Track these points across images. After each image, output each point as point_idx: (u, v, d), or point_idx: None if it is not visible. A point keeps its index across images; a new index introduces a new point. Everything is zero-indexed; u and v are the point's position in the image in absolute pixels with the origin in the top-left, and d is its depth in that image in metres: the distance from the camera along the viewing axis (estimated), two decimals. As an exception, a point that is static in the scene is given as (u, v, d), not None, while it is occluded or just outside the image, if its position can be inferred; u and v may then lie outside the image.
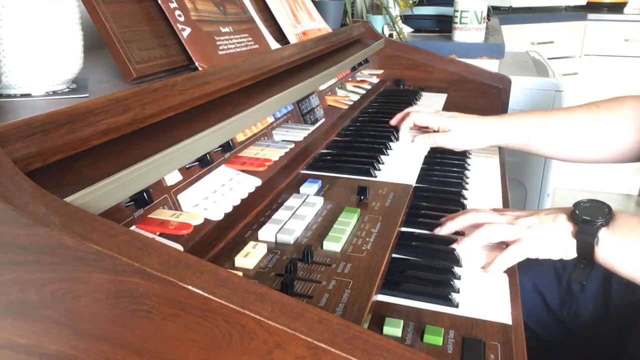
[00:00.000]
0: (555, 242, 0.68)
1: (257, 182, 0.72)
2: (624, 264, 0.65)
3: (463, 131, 0.99)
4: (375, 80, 1.45)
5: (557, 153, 0.98)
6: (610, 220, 0.66)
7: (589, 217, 0.66)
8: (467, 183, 0.95)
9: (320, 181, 0.79)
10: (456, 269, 0.66)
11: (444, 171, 0.99)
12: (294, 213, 0.68)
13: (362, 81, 1.41)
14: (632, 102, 0.92)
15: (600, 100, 0.96)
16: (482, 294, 0.62)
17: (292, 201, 0.71)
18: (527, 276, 0.70)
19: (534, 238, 0.68)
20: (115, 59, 0.66)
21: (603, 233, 0.66)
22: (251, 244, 0.60)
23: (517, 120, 0.97)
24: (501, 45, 1.66)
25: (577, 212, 0.67)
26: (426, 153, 1.00)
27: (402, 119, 1.06)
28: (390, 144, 1.00)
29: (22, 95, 0.60)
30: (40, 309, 0.40)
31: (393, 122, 1.09)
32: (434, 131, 1.03)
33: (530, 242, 0.68)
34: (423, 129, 1.06)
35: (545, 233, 0.68)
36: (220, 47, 0.82)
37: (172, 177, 0.61)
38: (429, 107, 1.12)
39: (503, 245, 0.71)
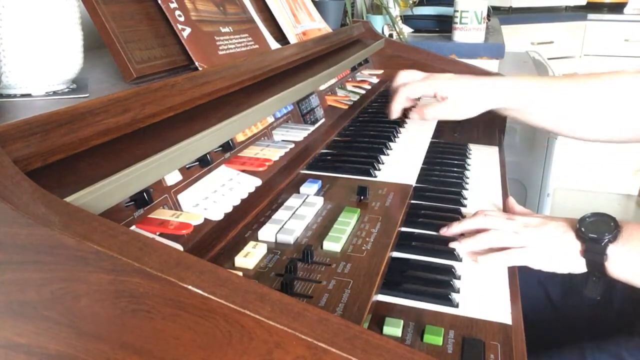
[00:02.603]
0: (563, 259, 0.68)
1: (257, 182, 0.72)
2: (636, 276, 0.65)
3: (460, 98, 0.91)
4: (375, 80, 1.45)
5: (554, 122, 0.92)
6: (618, 234, 0.65)
7: (596, 235, 0.65)
8: (467, 183, 0.95)
9: (320, 181, 0.79)
10: (456, 269, 0.66)
11: (444, 171, 0.99)
12: (294, 213, 0.68)
13: (362, 81, 1.41)
14: (629, 81, 0.87)
15: (600, 73, 0.90)
16: (482, 294, 0.62)
17: (292, 201, 0.71)
18: (530, 270, 0.70)
19: (539, 250, 0.68)
20: (115, 59, 0.66)
21: (611, 249, 0.65)
22: (251, 244, 0.60)
23: (518, 80, 0.91)
24: (501, 46, 1.66)
25: (582, 229, 0.66)
26: (425, 153, 1.00)
27: (394, 98, 0.97)
28: (390, 144, 1.00)
29: (22, 95, 0.60)
30: (40, 309, 0.40)
31: (392, 115, 0.99)
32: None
33: (533, 252, 0.68)
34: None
35: (551, 248, 0.68)
36: (220, 47, 0.82)
37: (172, 177, 0.61)
38: (412, 71, 1.01)
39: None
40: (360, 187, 0.75)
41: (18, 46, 0.57)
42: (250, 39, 0.92)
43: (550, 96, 0.89)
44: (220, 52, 0.81)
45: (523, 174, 1.91)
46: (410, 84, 0.95)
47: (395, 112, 0.97)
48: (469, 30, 1.69)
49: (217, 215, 0.62)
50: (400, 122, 1.11)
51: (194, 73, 0.67)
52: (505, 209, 0.84)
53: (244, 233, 0.63)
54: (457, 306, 0.59)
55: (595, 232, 0.66)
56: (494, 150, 1.14)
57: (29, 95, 0.60)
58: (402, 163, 0.92)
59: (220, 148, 0.72)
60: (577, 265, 0.67)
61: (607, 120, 0.88)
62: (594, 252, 0.65)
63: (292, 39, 1.10)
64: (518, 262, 0.68)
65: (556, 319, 0.87)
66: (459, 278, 0.65)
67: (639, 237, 0.65)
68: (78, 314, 0.39)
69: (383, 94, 1.40)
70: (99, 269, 0.37)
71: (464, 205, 0.85)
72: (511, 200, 0.83)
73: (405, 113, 1.01)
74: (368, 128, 1.10)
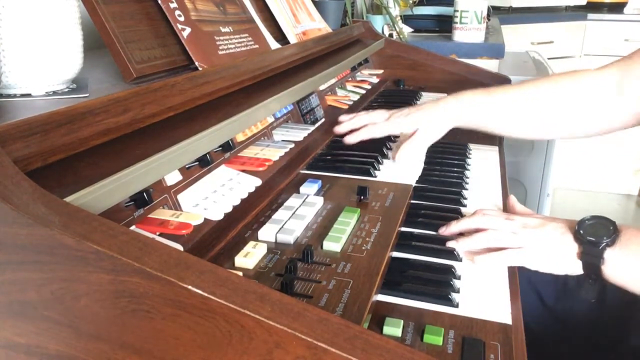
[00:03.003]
0: (560, 260, 0.67)
1: (257, 182, 0.72)
2: (632, 281, 0.65)
3: (428, 124, 0.94)
4: (375, 80, 1.45)
5: (512, 128, 0.96)
6: (616, 238, 0.65)
7: (594, 238, 0.65)
8: (467, 183, 0.95)
9: (320, 181, 0.79)
10: (456, 269, 0.66)
11: (444, 171, 0.99)
12: (294, 213, 0.68)
13: (362, 81, 1.41)
14: (590, 77, 0.91)
15: (559, 74, 0.95)
16: (482, 293, 0.62)
17: (292, 201, 0.71)
18: (524, 272, 0.70)
19: (537, 251, 0.68)
20: (115, 59, 0.66)
21: (609, 253, 0.64)
22: (251, 243, 0.60)
23: (470, 97, 0.96)
24: (501, 45, 1.66)
25: (581, 232, 0.66)
26: (425, 152, 1.00)
27: (355, 129, 0.97)
28: (390, 144, 1.00)
29: (22, 95, 0.60)
30: (40, 309, 0.40)
31: (344, 128, 0.98)
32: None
33: (531, 253, 0.68)
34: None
35: (549, 249, 0.68)
36: (220, 47, 0.82)
37: (172, 177, 0.61)
38: (375, 111, 1.00)
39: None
40: (360, 187, 0.75)
41: (18, 46, 0.57)
42: (250, 39, 0.92)
43: (505, 106, 0.94)
44: (220, 52, 0.81)
45: (523, 174, 1.91)
46: (375, 126, 0.96)
47: (354, 141, 0.96)
48: (469, 30, 1.69)
49: (217, 215, 0.62)
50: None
51: (194, 73, 0.67)
52: (506, 208, 0.84)
53: (244, 233, 0.63)
54: (457, 306, 0.59)
55: (594, 235, 0.65)
56: (494, 150, 1.14)
57: (29, 95, 0.60)
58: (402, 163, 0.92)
59: (220, 148, 0.72)
60: (573, 267, 0.67)
61: (570, 119, 0.92)
62: (591, 255, 0.65)
63: (292, 39, 1.10)
64: (515, 263, 0.68)
65: (550, 321, 0.87)
66: (459, 278, 0.65)
67: (637, 242, 0.65)
68: (78, 314, 0.39)
69: (383, 94, 1.40)
70: (99, 269, 0.37)
71: (464, 205, 0.85)
72: (512, 199, 0.83)
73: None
74: (368, 128, 1.10)
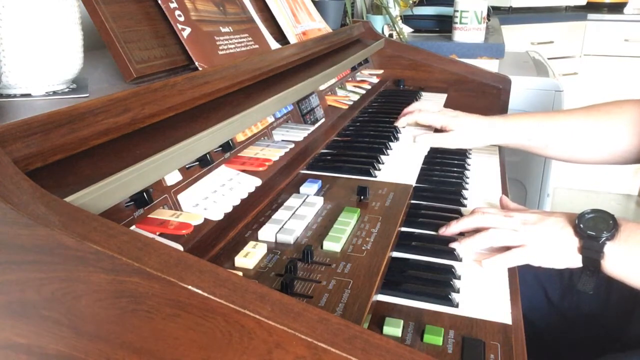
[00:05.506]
0: (561, 255, 0.68)
1: (257, 182, 0.72)
2: (631, 275, 0.65)
3: (465, 132, 1.01)
4: (375, 80, 1.45)
5: (557, 154, 1.00)
6: (616, 233, 0.65)
7: (594, 232, 0.65)
8: (467, 183, 0.95)
9: (320, 181, 0.79)
10: (456, 269, 0.66)
11: (444, 171, 0.99)
12: (294, 213, 0.68)
13: (362, 81, 1.41)
14: (632, 107, 0.93)
15: (601, 103, 0.97)
16: (482, 293, 0.62)
17: (292, 201, 0.71)
18: (529, 269, 0.70)
19: (539, 247, 0.68)
20: (115, 59, 0.66)
21: (609, 248, 0.65)
22: (251, 243, 0.60)
23: (518, 121, 0.99)
24: (501, 45, 1.66)
25: (581, 226, 0.66)
26: (426, 153, 1.00)
27: (407, 117, 1.10)
28: (390, 144, 1.00)
29: (22, 95, 0.60)
30: (40, 309, 0.40)
31: (398, 123, 1.11)
32: (436, 130, 1.05)
33: (534, 250, 0.68)
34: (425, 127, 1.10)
35: (550, 244, 0.68)
36: (220, 47, 0.82)
37: (172, 177, 0.61)
38: (430, 101, 1.14)
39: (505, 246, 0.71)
40: (360, 187, 0.75)
41: (18, 46, 0.57)
42: (250, 39, 0.92)
43: (548, 133, 0.98)
44: (220, 52, 0.81)
45: (523, 174, 1.91)
46: (423, 112, 1.08)
47: (402, 125, 1.10)
48: (469, 30, 1.68)
49: (217, 215, 0.62)
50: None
51: (194, 73, 0.67)
52: (500, 207, 0.85)
53: (244, 233, 0.63)
54: (457, 306, 0.59)
55: (594, 229, 0.66)
56: (494, 150, 1.14)
57: (29, 95, 0.60)
58: (402, 163, 0.92)
59: (220, 148, 0.72)
60: (574, 260, 0.67)
61: (613, 148, 0.95)
62: (591, 249, 0.65)
63: (292, 39, 1.10)
64: (520, 262, 0.68)
65: (555, 317, 0.87)
66: (459, 278, 0.65)
67: (637, 237, 0.65)
68: (78, 314, 0.39)
69: (383, 94, 1.40)
70: (98, 269, 0.37)
71: (464, 205, 0.85)
72: (504, 199, 0.84)
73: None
74: (368, 128, 1.10)
